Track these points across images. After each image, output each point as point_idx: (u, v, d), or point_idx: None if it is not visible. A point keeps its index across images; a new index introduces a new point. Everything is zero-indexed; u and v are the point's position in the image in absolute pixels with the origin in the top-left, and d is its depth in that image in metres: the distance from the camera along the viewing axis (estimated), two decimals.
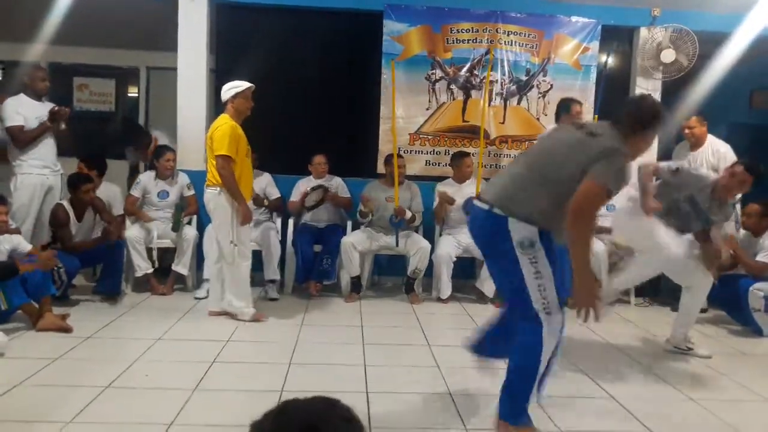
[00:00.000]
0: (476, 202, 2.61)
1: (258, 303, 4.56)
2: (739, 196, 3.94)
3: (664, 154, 5.40)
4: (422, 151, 5.73)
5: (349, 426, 1.08)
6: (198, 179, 5.35)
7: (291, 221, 5.32)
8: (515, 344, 2.54)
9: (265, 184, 5.33)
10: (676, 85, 5.71)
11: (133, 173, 5.93)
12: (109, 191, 5.11)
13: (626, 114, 2.56)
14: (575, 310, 2.45)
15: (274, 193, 5.37)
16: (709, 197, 3.60)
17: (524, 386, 2.50)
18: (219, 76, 5.61)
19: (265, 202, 5.24)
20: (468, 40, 5.68)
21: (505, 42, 5.68)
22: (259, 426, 1.06)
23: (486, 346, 2.87)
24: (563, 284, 2.52)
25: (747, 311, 4.39)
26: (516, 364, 2.54)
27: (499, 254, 2.53)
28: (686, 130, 4.98)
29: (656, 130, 2.64)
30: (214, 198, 4.16)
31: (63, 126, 4.82)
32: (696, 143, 4.93)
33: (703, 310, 5.01)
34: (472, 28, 5.67)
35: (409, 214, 5.09)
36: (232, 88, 4.16)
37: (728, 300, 4.61)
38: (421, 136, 5.72)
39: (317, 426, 1.04)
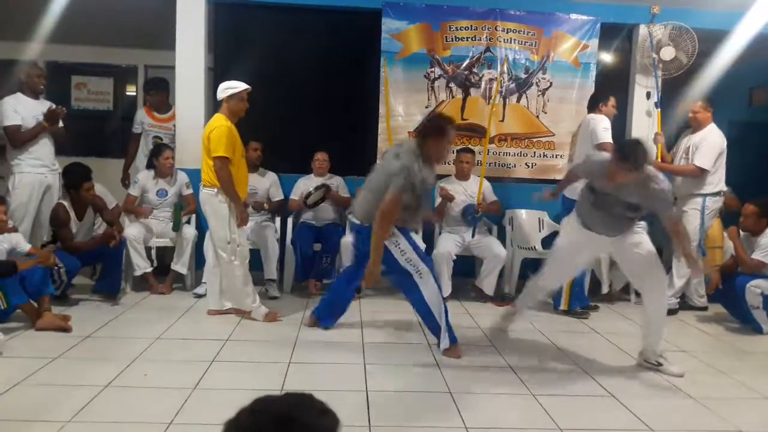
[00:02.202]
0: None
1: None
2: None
3: (670, 143, 5.36)
4: None
5: (325, 417, 1.09)
6: (197, 178, 5.33)
7: (290, 220, 5.31)
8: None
9: (269, 184, 5.31)
10: (675, 83, 5.69)
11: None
12: (98, 190, 5.07)
13: (422, 126, 3.50)
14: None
15: (278, 195, 5.34)
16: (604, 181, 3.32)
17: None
18: (217, 74, 5.60)
19: (266, 206, 5.21)
20: (467, 37, 5.67)
21: (504, 40, 5.66)
22: (235, 423, 1.06)
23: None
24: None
25: (746, 308, 4.39)
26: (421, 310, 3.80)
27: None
28: (690, 114, 4.96)
29: (442, 136, 3.55)
30: (210, 199, 4.14)
31: (61, 125, 4.83)
32: (697, 127, 4.90)
33: (703, 308, 5.02)
34: (471, 25, 5.66)
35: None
36: (228, 88, 4.13)
37: (727, 297, 4.61)
38: None
39: (293, 417, 1.05)
